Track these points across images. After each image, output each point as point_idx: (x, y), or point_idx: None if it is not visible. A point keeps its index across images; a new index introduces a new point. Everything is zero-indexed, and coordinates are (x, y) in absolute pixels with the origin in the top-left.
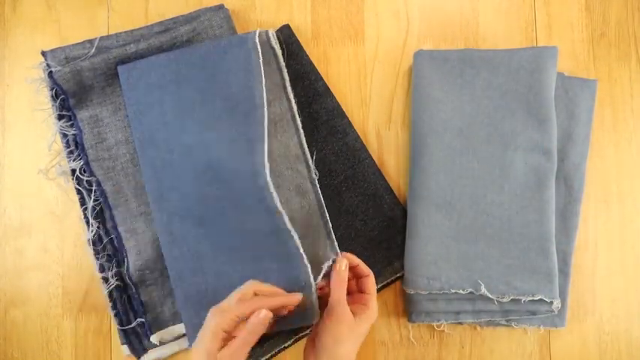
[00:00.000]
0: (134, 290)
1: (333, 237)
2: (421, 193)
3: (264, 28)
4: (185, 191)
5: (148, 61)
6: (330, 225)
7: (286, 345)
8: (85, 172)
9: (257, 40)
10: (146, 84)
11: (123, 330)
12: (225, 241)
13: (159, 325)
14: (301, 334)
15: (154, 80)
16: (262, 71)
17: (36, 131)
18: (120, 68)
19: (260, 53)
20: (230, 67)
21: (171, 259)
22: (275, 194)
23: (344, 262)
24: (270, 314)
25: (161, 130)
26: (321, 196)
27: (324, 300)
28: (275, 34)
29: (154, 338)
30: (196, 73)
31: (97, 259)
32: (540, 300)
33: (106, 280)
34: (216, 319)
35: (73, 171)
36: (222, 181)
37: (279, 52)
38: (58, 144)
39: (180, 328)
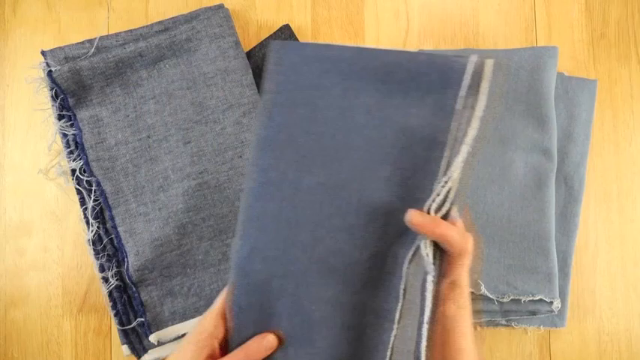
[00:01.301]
0: (134, 290)
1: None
2: None
3: (264, 29)
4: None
5: (316, 48)
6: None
7: None
8: (84, 172)
9: (470, 74)
10: (301, 74)
11: (123, 330)
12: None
13: (158, 325)
14: None
15: (314, 71)
16: (462, 111)
17: (36, 131)
18: (275, 44)
19: (466, 89)
20: (423, 94)
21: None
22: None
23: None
24: (275, 339)
25: (301, 139)
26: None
27: None
28: (493, 65)
29: (152, 338)
30: (371, 84)
31: (97, 259)
32: (540, 300)
33: (106, 280)
34: (199, 326)
35: (73, 171)
36: (354, 212)
37: (486, 92)
38: (58, 144)
39: (178, 328)
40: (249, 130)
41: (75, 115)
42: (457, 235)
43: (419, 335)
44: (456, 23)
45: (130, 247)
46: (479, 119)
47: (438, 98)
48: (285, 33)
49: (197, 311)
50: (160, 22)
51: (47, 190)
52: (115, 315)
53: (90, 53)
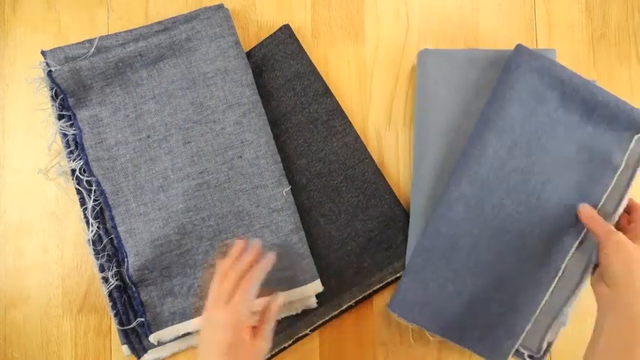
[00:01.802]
0: (134, 290)
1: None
2: (425, 194)
3: (264, 29)
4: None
5: (554, 67)
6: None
7: (286, 345)
8: (84, 172)
9: None
10: (532, 81)
11: (123, 330)
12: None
13: (158, 325)
14: (301, 334)
15: (544, 83)
16: None
17: (36, 131)
18: (521, 48)
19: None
20: (612, 130)
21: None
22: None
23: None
24: (273, 257)
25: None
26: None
27: None
28: None
29: (152, 338)
30: (579, 110)
31: (97, 259)
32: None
33: (106, 280)
34: (232, 315)
35: (73, 171)
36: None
37: None
38: (58, 144)
39: (178, 328)
40: (249, 129)
41: (75, 115)
42: (600, 228)
43: (566, 304)
44: (456, 23)
45: (129, 247)
46: None
47: (618, 135)
48: (285, 33)
49: (197, 311)
50: (159, 22)
51: (47, 190)
52: (115, 315)
53: (90, 53)
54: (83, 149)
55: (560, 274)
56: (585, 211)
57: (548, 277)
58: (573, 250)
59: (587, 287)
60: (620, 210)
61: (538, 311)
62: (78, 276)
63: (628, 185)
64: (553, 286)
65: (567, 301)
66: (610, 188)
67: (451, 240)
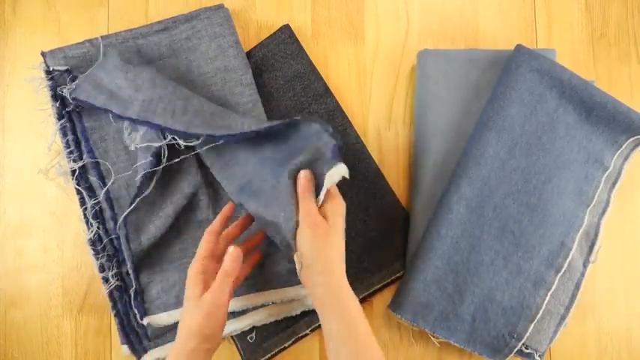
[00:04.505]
0: (132, 272)
1: None
2: (425, 194)
3: (264, 29)
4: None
5: (554, 67)
6: None
7: (286, 345)
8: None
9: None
10: (531, 81)
11: (123, 330)
12: (499, 248)
13: (152, 311)
14: (301, 334)
15: (544, 83)
16: None
17: (36, 131)
18: (522, 49)
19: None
20: (608, 131)
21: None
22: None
23: (307, 173)
24: (239, 249)
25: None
26: None
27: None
28: None
29: (145, 321)
30: (577, 109)
31: (97, 259)
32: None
33: (106, 280)
34: (189, 270)
35: (73, 171)
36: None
37: None
38: (58, 144)
39: (168, 317)
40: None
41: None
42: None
43: (570, 302)
44: (456, 23)
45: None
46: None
47: (613, 137)
48: (285, 33)
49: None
50: (159, 22)
51: (47, 190)
52: (115, 315)
53: (90, 53)
54: (87, 140)
55: (561, 274)
56: (304, 183)
57: (550, 276)
58: (574, 249)
59: (586, 287)
60: (609, 209)
61: (541, 311)
62: (78, 276)
63: (613, 186)
64: (555, 285)
65: (569, 300)
66: (600, 188)
67: (452, 241)
